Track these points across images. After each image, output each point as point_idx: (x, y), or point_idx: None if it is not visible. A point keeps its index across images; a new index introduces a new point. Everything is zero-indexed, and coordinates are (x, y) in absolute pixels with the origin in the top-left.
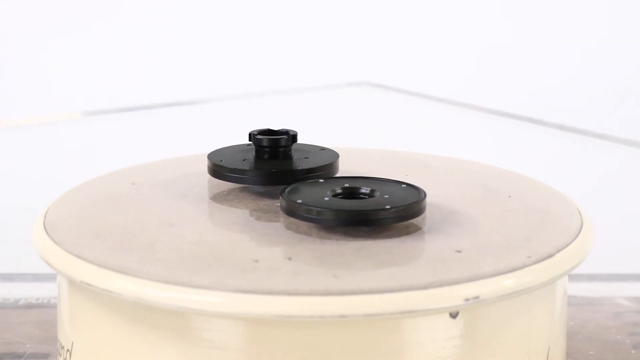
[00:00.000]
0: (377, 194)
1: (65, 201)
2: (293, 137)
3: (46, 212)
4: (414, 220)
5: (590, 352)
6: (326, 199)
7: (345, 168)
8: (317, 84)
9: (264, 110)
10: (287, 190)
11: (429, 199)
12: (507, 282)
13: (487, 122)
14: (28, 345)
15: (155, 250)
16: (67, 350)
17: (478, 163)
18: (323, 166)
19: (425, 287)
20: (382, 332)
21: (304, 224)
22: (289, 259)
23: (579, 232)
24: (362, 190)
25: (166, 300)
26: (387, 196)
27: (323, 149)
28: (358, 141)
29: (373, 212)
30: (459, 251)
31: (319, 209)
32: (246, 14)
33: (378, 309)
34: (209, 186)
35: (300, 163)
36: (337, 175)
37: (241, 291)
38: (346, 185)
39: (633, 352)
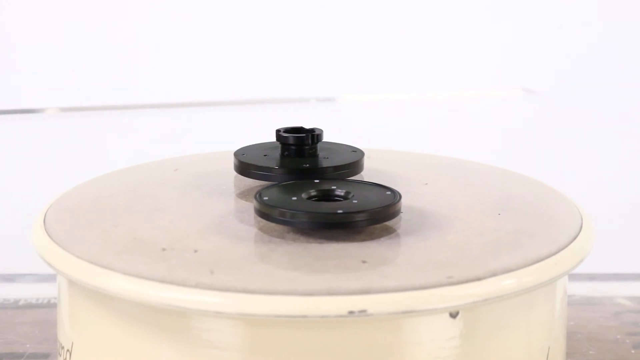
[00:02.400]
0: (350, 197)
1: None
2: (316, 136)
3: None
4: (391, 226)
5: (590, 352)
6: (294, 198)
7: (375, 167)
8: (474, 89)
9: (420, 111)
10: (265, 188)
11: (426, 207)
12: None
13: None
14: (28, 345)
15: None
16: (67, 350)
17: (512, 172)
18: (339, 166)
19: (292, 293)
20: (382, 332)
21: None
22: (195, 251)
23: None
24: (337, 193)
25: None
26: (356, 201)
27: (355, 150)
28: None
29: (325, 215)
30: (365, 262)
31: (278, 209)
32: (392, 15)
33: (224, 308)
34: (235, 181)
35: (321, 162)
36: (352, 176)
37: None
38: (333, 187)
39: (633, 352)
